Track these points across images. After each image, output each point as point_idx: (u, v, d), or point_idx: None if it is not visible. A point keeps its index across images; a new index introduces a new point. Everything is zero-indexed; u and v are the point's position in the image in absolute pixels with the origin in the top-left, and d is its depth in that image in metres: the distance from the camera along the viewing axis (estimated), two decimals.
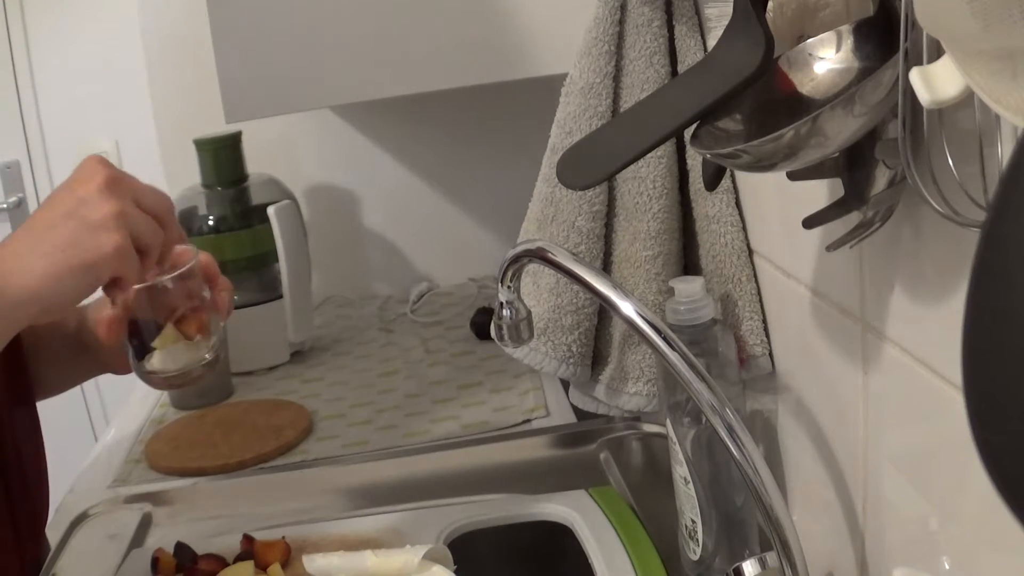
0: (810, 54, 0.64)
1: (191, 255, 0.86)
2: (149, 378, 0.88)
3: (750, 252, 0.99)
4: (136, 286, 0.83)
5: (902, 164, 0.55)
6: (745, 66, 0.63)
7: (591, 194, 1.03)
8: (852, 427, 0.80)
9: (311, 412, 1.40)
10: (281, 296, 1.59)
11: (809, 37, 0.64)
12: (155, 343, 0.86)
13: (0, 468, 0.87)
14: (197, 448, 1.31)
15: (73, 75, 2.07)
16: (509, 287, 0.85)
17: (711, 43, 0.98)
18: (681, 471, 0.92)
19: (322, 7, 1.29)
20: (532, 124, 1.29)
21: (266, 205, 1.58)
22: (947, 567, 0.67)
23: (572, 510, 1.04)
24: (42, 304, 0.72)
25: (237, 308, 1.59)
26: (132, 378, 0.90)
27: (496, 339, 0.89)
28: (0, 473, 0.87)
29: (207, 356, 0.88)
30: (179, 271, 0.85)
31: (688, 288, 0.90)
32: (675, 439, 0.91)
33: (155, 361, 0.87)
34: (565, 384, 1.27)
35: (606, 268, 1.06)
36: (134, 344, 0.87)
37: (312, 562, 0.94)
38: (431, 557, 0.92)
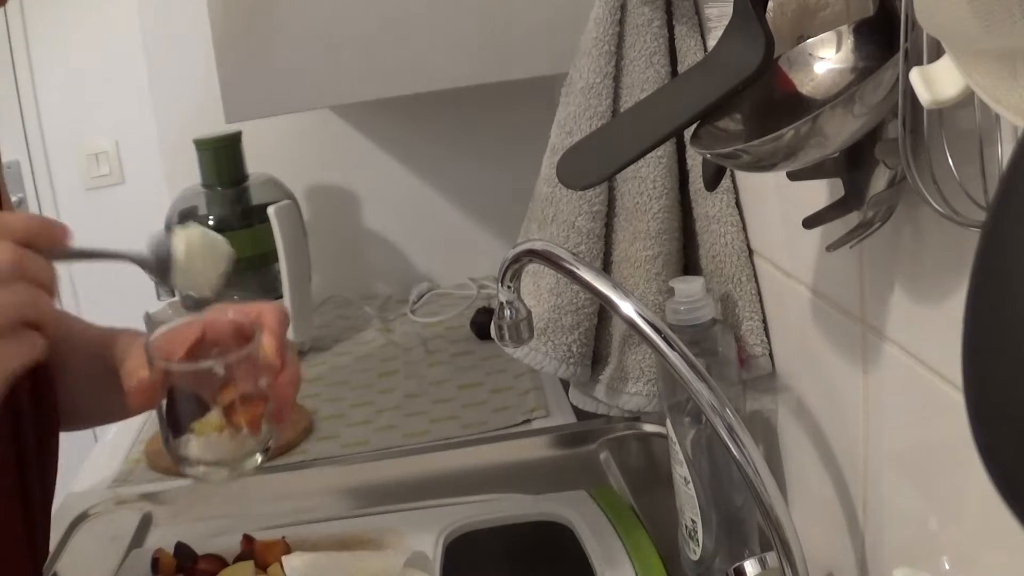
0: (810, 54, 0.64)
1: (252, 334, 0.73)
2: (182, 463, 0.74)
3: (750, 252, 0.99)
4: (179, 367, 0.71)
5: (902, 164, 0.55)
6: (745, 66, 0.63)
7: (591, 194, 1.03)
8: (852, 427, 0.80)
9: (311, 412, 1.40)
10: (281, 296, 1.59)
11: (809, 37, 0.64)
12: (194, 426, 0.72)
13: (21, 467, 0.87)
14: None
15: (73, 75, 2.07)
16: (509, 287, 0.85)
17: (711, 43, 0.98)
18: (681, 471, 0.92)
19: (322, 7, 1.29)
20: (532, 124, 1.29)
21: (266, 205, 1.58)
22: (947, 567, 0.67)
23: (572, 510, 1.04)
24: None
25: None
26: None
27: (496, 339, 0.89)
28: (21, 476, 0.87)
29: (253, 455, 0.73)
30: (233, 355, 0.71)
31: (688, 288, 0.90)
32: (675, 439, 0.91)
33: (193, 446, 0.72)
34: (565, 384, 1.27)
35: (606, 268, 1.06)
36: (170, 417, 0.73)
37: (290, 564, 0.94)
38: (412, 563, 0.92)
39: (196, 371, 0.71)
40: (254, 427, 0.72)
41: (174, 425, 0.72)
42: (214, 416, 0.71)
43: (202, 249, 0.72)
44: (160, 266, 0.71)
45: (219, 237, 0.74)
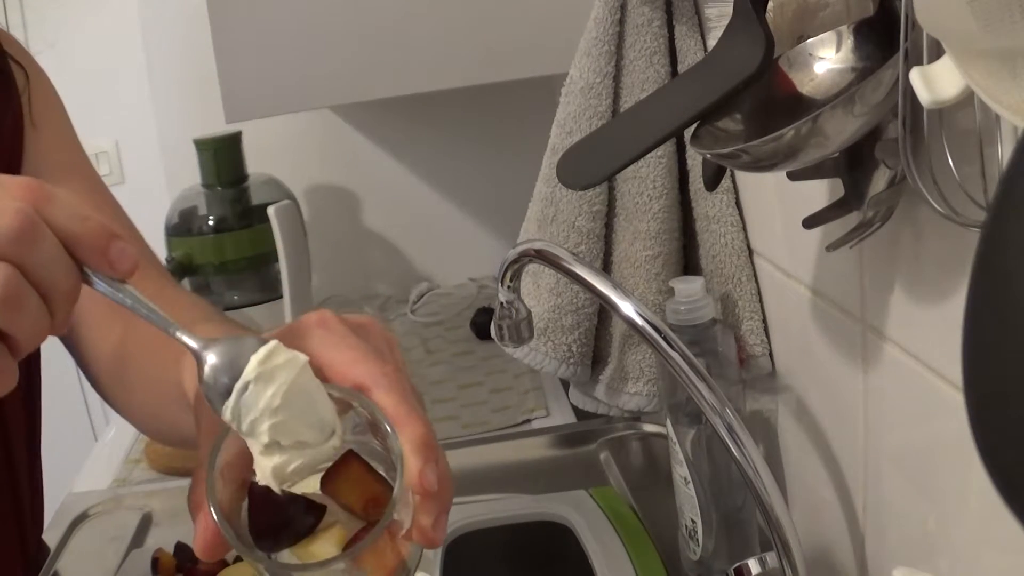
0: (810, 54, 0.64)
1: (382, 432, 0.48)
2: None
3: (750, 252, 0.99)
4: (267, 566, 0.47)
5: (902, 164, 0.55)
6: (745, 66, 0.63)
7: (591, 194, 1.03)
8: (852, 427, 0.80)
9: None
10: (281, 296, 1.59)
11: (809, 37, 0.64)
12: (296, 552, 0.48)
13: (11, 470, 0.86)
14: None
15: (73, 75, 2.06)
16: (509, 287, 0.85)
17: (711, 43, 0.98)
18: (681, 471, 0.92)
19: (322, 7, 1.29)
20: (532, 124, 1.29)
21: (266, 205, 1.58)
22: (947, 567, 0.67)
23: (572, 510, 1.04)
24: None
25: (236, 308, 1.61)
26: None
27: (496, 339, 0.89)
28: (11, 479, 0.86)
29: None
30: (368, 537, 0.46)
31: (688, 288, 0.90)
32: (675, 439, 0.91)
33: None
34: (565, 384, 1.27)
35: (606, 268, 1.06)
36: (256, 534, 0.48)
37: None
38: None
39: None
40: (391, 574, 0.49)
41: (262, 543, 0.49)
42: (323, 547, 0.48)
43: (290, 397, 0.47)
44: (217, 387, 0.47)
45: (324, 398, 0.48)
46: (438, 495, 0.48)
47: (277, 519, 0.47)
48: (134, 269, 0.46)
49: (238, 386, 0.46)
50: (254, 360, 0.46)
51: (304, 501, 0.47)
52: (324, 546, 0.47)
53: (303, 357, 0.47)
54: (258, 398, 0.46)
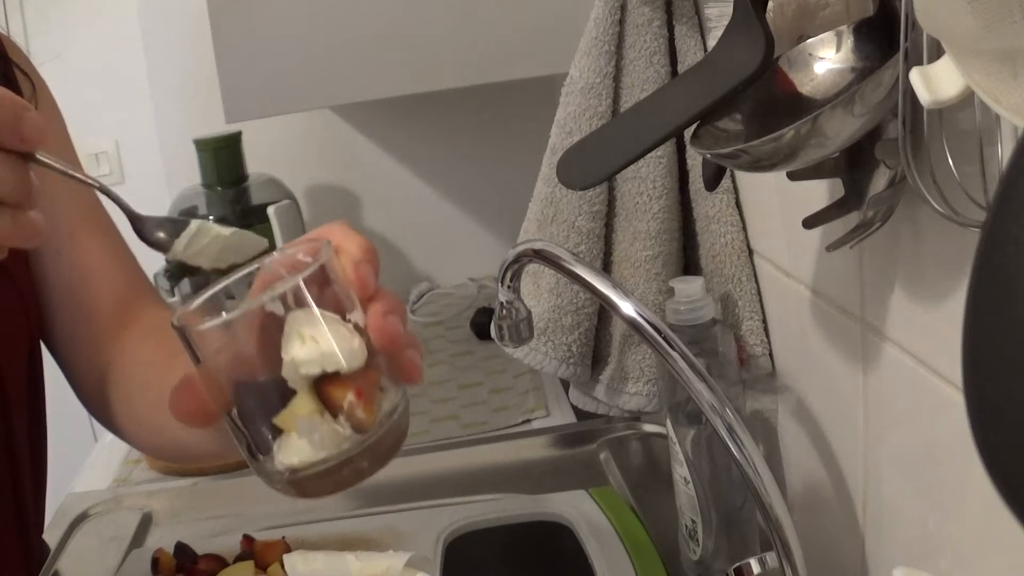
0: (810, 54, 0.64)
1: (320, 248, 0.49)
2: (274, 480, 0.53)
3: (750, 252, 0.99)
4: (209, 324, 0.48)
5: (902, 164, 0.55)
6: (745, 66, 0.63)
7: (591, 194, 1.03)
8: (852, 427, 0.80)
9: None
10: None
11: (809, 37, 0.64)
12: (279, 420, 0.49)
13: (14, 473, 0.86)
14: None
15: (73, 75, 2.06)
16: (509, 287, 0.85)
17: (711, 43, 0.98)
18: (681, 471, 0.92)
19: (322, 7, 1.29)
20: (532, 124, 1.29)
21: (266, 205, 1.58)
22: (947, 567, 0.67)
23: (572, 510, 1.04)
24: None
25: None
26: None
27: (496, 339, 0.89)
28: (13, 481, 0.86)
29: (369, 438, 0.50)
30: (290, 281, 0.47)
31: (688, 288, 0.90)
32: (675, 439, 0.91)
33: (284, 453, 0.50)
34: (565, 384, 1.27)
35: (606, 268, 1.06)
36: (245, 425, 0.51)
37: (293, 567, 0.94)
38: (413, 563, 0.92)
39: (240, 320, 0.47)
40: (365, 396, 0.48)
41: (255, 435, 0.50)
42: (302, 399, 0.48)
43: (221, 253, 0.53)
44: (155, 244, 0.52)
45: (253, 239, 0.54)
46: (384, 300, 0.49)
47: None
48: (44, 139, 0.48)
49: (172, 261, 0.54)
50: (179, 245, 0.53)
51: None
52: (301, 401, 0.49)
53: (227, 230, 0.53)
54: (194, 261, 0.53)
